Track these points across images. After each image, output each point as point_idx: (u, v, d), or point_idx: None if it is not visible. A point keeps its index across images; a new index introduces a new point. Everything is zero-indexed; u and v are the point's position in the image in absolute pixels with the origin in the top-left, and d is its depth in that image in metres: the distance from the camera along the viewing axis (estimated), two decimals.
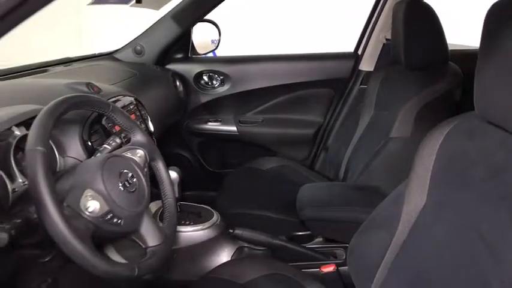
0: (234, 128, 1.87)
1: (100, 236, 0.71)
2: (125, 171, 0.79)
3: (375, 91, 1.53)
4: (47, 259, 0.78)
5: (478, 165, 0.74)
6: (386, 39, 1.68)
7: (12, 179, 0.76)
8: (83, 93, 1.06)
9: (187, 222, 1.19)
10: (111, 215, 0.71)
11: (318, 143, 1.88)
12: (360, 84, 1.75)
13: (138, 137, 0.92)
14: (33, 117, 0.85)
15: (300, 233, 1.31)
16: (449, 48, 1.35)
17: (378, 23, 1.69)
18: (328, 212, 1.22)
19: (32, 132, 0.66)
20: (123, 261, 0.98)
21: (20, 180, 0.78)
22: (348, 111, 1.78)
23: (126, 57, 1.74)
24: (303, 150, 1.90)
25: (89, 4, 1.17)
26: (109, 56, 1.75)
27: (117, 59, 1.74)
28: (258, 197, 1.48)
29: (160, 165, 0.95)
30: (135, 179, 0.80)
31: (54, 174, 0.79)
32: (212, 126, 1.89)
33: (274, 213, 1.36)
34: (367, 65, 1.74)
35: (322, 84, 1.81)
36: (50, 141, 0.84)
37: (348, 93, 1.79)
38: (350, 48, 1.85)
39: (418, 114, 1.27)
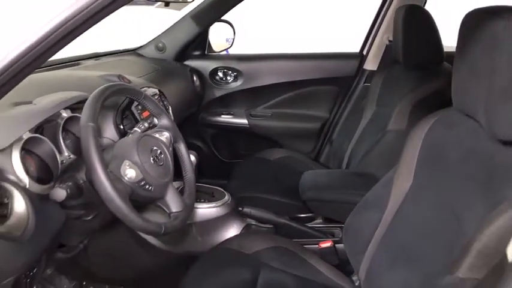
0: (245, 121, 2.02)
1: (134, 199, 0.86)
2: (155, 148, 0.94)
3: (377, 89, 1.65)
4: (89, 217, 0.94)
5: (454, 150, 0.87)
6: (389, 41, 1.80)
7: (61, 152, 0.93)
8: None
9: (202, 201, 1.34)
10: (144, 182, 0.87)
11: (323, 136, 2.01)
12: (364, 83, 1.88)
13: (165, 121, 1.08)
14: (77, 103, 1.01)
15: (302, 215, 1.46)
16: (445, 49, 1.47)
17: (382, 25, 1.81)
18: (327, 194, 1.36)
19: (85, 112, 0.82)
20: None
21: (67, 154, 0.94)
22: (352, 108, 1.91)
23: (148, 53, 1.90)
24: (309, 143, 2.03)
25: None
26: (133, 51, 1.92)
27: (140, 55, 1.90)
28: (265, 182, 1.62)
29: (182, 147, 1.10)
30: (162, 155, 0.95)
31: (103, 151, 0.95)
32: (225, 118, 2.03)
33: (279, 197, 1.51)
34: (371, 64, 1.87)
35: (329, 82, 1.94)
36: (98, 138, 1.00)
37: (352, 91, 1.92)
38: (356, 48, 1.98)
39: (413, 108, 1.39)
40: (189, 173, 1.08)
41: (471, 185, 0.78)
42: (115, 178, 0.82)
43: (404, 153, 1.00)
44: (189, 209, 1.00)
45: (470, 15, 0.81)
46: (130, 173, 0.84)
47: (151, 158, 0.92)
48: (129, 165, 0.85)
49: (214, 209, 1.34)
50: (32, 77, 1.26)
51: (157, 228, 0.85)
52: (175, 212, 0.95)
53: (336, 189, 1.37)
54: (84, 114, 0.81)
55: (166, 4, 1.22)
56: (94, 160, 0.76)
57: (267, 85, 1.97)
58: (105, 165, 0.79)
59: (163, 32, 1.88)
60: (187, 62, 1.96)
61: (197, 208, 1.32)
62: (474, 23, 0.79)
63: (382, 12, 1.81)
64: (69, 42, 0.64)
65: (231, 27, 1.99)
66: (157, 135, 1.02)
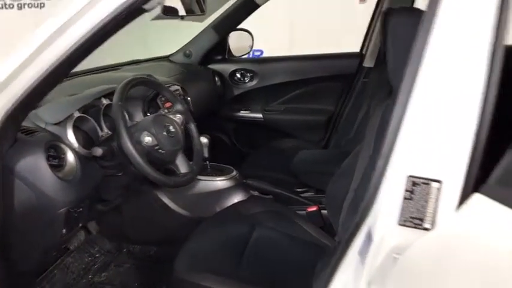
0: (260, 115, 2.31)
1: (152, 160, 1.18)
2: (167, 124, 1.26)
3: (373, 84, 1.87)
4: (120, 174, 1.27)
5: None
6: None
7: (102, 129, 1.27)
8: None
9: (213, 175, 1.64)
10: (157, 147, 1.19)
11: (330, 127, 2.25)
12: (364, 79, 2.10)
13: (178, 106, 1.40)
14: (114, 92, 1.36)
15: (299, 189, 1.71)
16: None
17: (377, 25, 2.03)
18: (317, 166, 1.61)
19: (115, 96, 1.15)
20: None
21: (106, 131, 1.29)
22: (353, 101, 2.13)
23: (178, 59, 2.25)
24: (317, 133, 2.28)
25: (152, 19, 1.68)
26: (166, 58, 2.28)
27: (171, 61, 2.26)
28: (272, 164, 1.90)
29: (192, 127, 1.41)
30: (174, 130, 1.27)
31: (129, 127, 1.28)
32: (243, 114, 2.34)
33: (281, 175, 1.77)
34: (369, 62, 2.09)
35: (334, 79, 2.18)
36: (124, 112, 1.34)
37: (353, 87, 2.14)
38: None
39: None
40: (197, 145, 1.39)
41: None
42: (136, 142, 1.14)
43: (367, 129, 1.23)
44: (195, 172, 1.30)
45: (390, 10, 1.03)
46: (147, 139, 1.16)
47: (165, 131, 1.23)
48: (147, 134, 1.18)
49: (223, 182, 1.63)
50: (83, 79, 1.65)
51: (168, 180, 1.16)
52: (183, 173, 1.26)
53: (322, 163, 1.61)
54: (115, 97, 1.14)
55: (182, 18, 1.54)
56: (121, 128, 1.09)
57: (279, 83, 2.25)
58: (130, 133, 1.11)
59: (190, 41, 2.23)
60: (210, 66, 2.29)
61: (209, 180, 1.63)
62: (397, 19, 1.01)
63: (377, 13, 2.03)
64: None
65: (249, 35, 2.30)
66: (171, 116, 1.34)
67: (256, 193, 1.67)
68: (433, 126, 0.65)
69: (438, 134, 0.65)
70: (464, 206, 0.59)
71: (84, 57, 0.89)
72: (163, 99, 1.56)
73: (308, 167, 1.64)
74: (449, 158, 0.64)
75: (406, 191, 0.66)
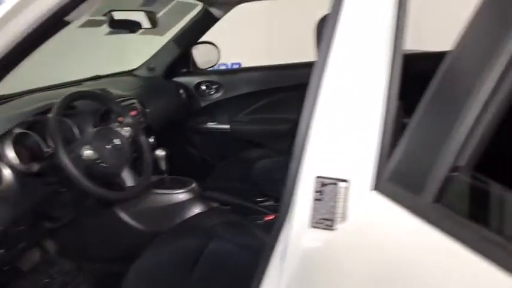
0: (227, 127, 2.30)
1: (94, 173, 1.16)
2: (112, 137, 1.25)
3: None
4: (64, 189, 1.25)
5: None
6: None
7: (47, 144, 1.25)
8: None
9: (171, 187, 1.62)
10: (99, 160, 1.17)
11: (295, 136, 2.24)
12: None
13: (128, 119, 1.38)
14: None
15: (260, 199, 1.70)
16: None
17: None
18: (276, 174, 1.60)
19: (52, 110, 1.14)
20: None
21: (51, 146, 1.26)
22: None
23: (142, 73, 2.25)
24: (284, 142, 2.27)
25: (106, 34, 1.68)
26: (130, 72, 2.28)
27: (135, 75, 2.26)
28: (239, 175, 1.89)
29: (142, 139, 1.40)
30: (119, 143, 1.25)
31: (75, 141, 1.26)
32: (210, 125, 2.33)
33: (247, 185, 1.77)
34: None
35: (296, 88, 2.17)
36: (71, 123, 1.32)
37: None
38: None
39: None
40: (147, 159, 1.37)
41: None
42: (76, 156, 1.12)
43: None
44: (142, 186, 1.28)
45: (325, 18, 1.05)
46: (87, 153, 1.15)
47: (110, 144, 1.22)
48: (88, 148, 1.16)
49: (181, 194, 1.61)
50: (41, 94, 1.62)
51: (110, 194, 1.14)
52: (129, 187, 1.24)
53: (281, 171, 1.60)
54: (52, 112, 1.13)
55: (132, 31, 1.55)
56: (57, 142, 1.08)
57: (244, 94, 2.26)
58: (69, 147, 1.09)
59: (153, 55, 2.23)
60: (175, 79, 2.28)
61: (167, 194, 1.60)
62: None
63: None
64: None
65: (215, 48, 2.32)
66: (118, 129, 1.32)
67: (216, 205, 1.65)
68: (338, 127, 0.66)
69: (344, 134, 0.65)
70: (363, 205, 0.58)
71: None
72: (117, 113, 1.54)
73: (267, 176, 1.64)
74: (356, 157, 0.64)
75: (316, 192, 0.66)
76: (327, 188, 0.65)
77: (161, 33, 2.03)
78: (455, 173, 0.43)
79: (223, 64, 3.41)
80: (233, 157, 2.16)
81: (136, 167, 1.37)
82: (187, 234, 1.38)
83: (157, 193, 1.59)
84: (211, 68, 2.44)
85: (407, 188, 0.49)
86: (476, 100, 0.42)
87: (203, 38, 2.22)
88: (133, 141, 1.37)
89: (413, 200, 0.46)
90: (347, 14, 0.66)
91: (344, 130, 0.65)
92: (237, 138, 2.31)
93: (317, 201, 0.65)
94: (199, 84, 2.30)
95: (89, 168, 1.14)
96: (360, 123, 0.64)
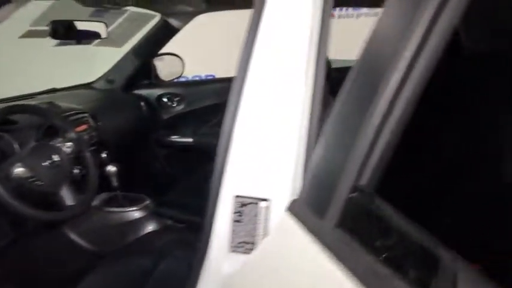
0: (191, 140, 2.24)
1: (25, 192, 1.08)
2: (52, 154, 1.17)
3: None
4: None
5: None
6: None
7: None
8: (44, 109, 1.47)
9: (123, 205, 1.54)
10: (34, 178, 1.09)
11: None
12: None
13: (71, 135, 1.31)
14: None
15: None
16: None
17: None
18: None
19: None
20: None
21: None
22: None
23: (100, 86, 2.17)
24: None
25: (55, 46, 1.61)
26: (88, 85, 2.20)
27: (93, 88, 2.18)
28: (202, 189, 1.82)
29: (87, 155, 1.33)
30: (58, 159, 1.18)
31: (12, 156, 1.17)
32: (173, 138, 2.26)
33: (199, 200, 1.70)
34: None
35: None
36: (11, 138, 1.24)
37: None
38: None
39: None
40: (91, 176, 1.30)
41: None
42: (4, 175, 1.04)
43: None
44: (84, 204, 1.21)
45: None
46: (18, 171, 1.07)
47: (47, 161, 1.14)
48: (20, 165, 1.08)
49: (134, 212, 1.54)
50: None
51: (41, 215, 1.06)
52: (68, 206, 1.16)
53: None
54: None
55: (78, 42, 1.48)
56: None
57: (207, 106, 2.21)
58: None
59: (112, 67, 2.16)
60: (136, 91, 2.21)
61: (118, 212, 1.53)
62: None
63: None
64: None
65: (180, 59, 2.27)
66: (58, 145, 1.25)
67: (170, 222, 1.58)
68: (259, 143, 0.61)
69: (264, 150, 0.61)
70: (278, 227, 0.54)
71: None
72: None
73: None
74: (276, 174, 0.59)
75: (235, 212, 0.61)
76: (246, 208, 0.60)
77: (119, 45, 1.96)
78: (354, 194, 0.39)
79: (197, 76, 3.36)
80: (197, 171, 2.09)
81: (81, 185, 1.30)
82: (139, 253, 1.31)
83: (108, 211, 1.52)
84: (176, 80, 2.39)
85: (314, 211, 0.45)
86: (374, 117, 0.39)
87: (172, 49, 2.18)
88: (77, 157, 1.30)
89: (318, 225, 0.42)
90: (266, 22, 0.62)
91: (265, 145, 0.61)
92: (201, 152, 2.25)
93: (236, 223, 0.60)
94: (160, 96, 2.23)
95: (20, 187, 1.06)
96: (280, 138, 0.60)
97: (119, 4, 1.57)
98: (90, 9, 1.70)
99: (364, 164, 0.38)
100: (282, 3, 0.62)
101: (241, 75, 0.62)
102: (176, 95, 2.23)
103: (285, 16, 0.62)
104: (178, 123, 2.26)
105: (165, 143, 2.27)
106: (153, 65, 2.21)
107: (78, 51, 1.98)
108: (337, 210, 0.40)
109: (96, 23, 1.52)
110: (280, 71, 0.61)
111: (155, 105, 2.24)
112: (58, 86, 2.06)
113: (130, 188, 1.79)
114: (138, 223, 1.53)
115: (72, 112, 1.58)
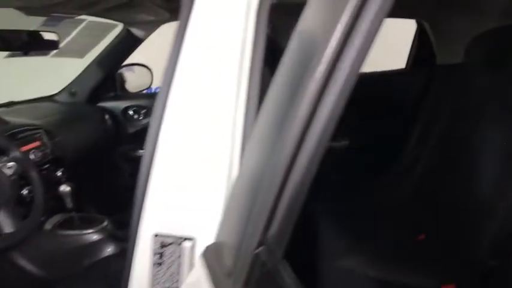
0: None
1: None
2: None
3: None
4: None
5: None
6: None
7: None
8: None
9: (79, 227, 1.44)
10: None
11: None
12: None
13: (14, 153, 1.21)
14: None
15: None
16: None
17: None
18: None
19: None
20: None
21: None
22: None
23: (62, 98, 2.07)
24: None
25: (5, 57, 1.51)
26: (49, 98, 2.09)
27: (55, 101, 2.07)
28: None
29: (33, 175, 1.23)
30: None
31: None
32: (139, 153, 2.16)
33: None
34: None
35: None
36: None
37: None
38: None
39: None
40: (36, 199, 1.20)
41: None
42: None
43: None
44: (25, 230, 1.11)
45: None
46: None
47: None
48: None
49: (90, 235, 1.44)
50: None
51: None
52: (7, 233, 1.06)
53: None
54: None
55: (25, 53, 1.39)
56: None
57: None
58: None
59: (75, 79, 2.07)
60: (101, 103, 2.12)
61: (73, 235, 1.42)
62: None
63: None
64: None
65: (148, 70, 2.19)
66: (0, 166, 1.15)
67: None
68: (181, 173, 0.54)
69: (188, 181, 0.53)
70: (190, 275, 0.46)
71: None
72: None
73: None
74: (203, 209, 0.52)
75: (155, 254, 0.53)
76: (167, 249, 0.52)
77: (81, 55, 1.87)
78: (259, 249, 0.32)
79: None
80: None
81: (31, 207, 1.20)
82: (95, 279, 1.23)
83: (62, 234, 1.41)
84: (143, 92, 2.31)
85: (223, 264, 0.37)
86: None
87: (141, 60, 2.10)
88: (22, 178, 1.20)
89: (225, 284, 0.35)
90: (193, 29, 0.56)
91: (189, 175, 0.54)
92: None
93: (157, 266, 0.53)
94: (126, 109, 2.14)
95: None
96: (207, 167, 0.53)
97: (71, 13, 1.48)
98: (41, 19, 1.61)
99: (273, 212, 0.31)
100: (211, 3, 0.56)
101: (164, 95, 0.55)
102: (143, 108, 2.15)
103: (214, 21, 0.55)
104: (144, 136, 2.17)
105: (130, 157, 2.17)
106: (121, 76, 2.14)
107: (36, 63, 1.88)
108: (243, 268, 0.33)
109: (46, 33, 1.43)
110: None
111: (120, 118, 2.15)
112: (16, 99, 1.96)
113: (90, 208, 1.70)
114: (94, 246, 1.43)
115: (22, 128, 1.48)
